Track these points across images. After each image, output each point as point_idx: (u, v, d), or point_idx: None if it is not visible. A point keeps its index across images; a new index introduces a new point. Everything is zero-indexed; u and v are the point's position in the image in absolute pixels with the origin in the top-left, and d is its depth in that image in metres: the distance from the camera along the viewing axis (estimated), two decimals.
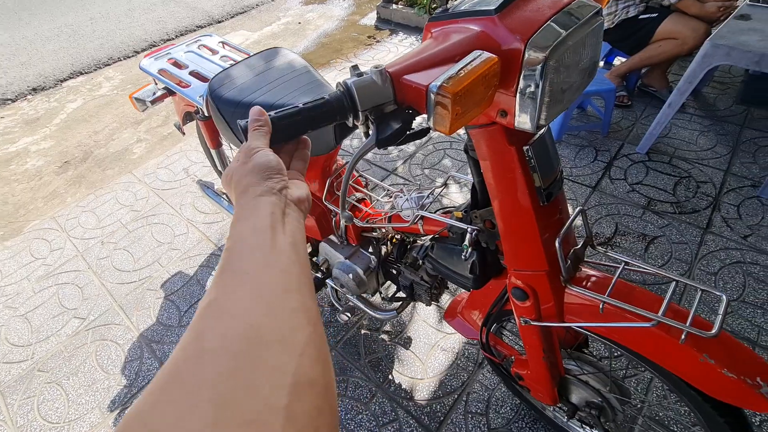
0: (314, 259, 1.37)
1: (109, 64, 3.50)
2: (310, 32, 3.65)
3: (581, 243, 0.76)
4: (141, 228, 2.02)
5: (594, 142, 2.25)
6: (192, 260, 1.84)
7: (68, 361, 1.52)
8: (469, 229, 0.79)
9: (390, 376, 1.39)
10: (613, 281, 0.70)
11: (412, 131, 0.49)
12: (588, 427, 1.13)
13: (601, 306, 0.69)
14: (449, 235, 0.92)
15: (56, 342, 1.59)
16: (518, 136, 0.60)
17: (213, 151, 1.39)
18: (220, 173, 1.85)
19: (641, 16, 2.20)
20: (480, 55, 0.43)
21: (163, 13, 4.18)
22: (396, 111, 0.48)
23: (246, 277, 0.28)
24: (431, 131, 0.51)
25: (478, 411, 1.29)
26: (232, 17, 4.04)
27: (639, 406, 1.25)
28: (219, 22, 3.98)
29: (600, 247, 0.78)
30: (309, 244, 1.42)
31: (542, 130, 0.63)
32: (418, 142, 2.37)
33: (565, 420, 1.17)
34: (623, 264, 0.72)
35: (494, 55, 0.43)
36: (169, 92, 1.34)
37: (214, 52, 1.31)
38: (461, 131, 1.87)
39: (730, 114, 2.33)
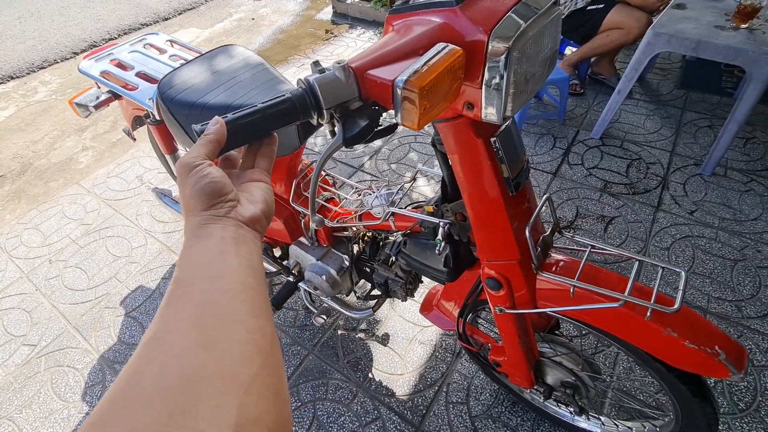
0: (285, 262, 1.33)
1: (44, 67, 3.23)
2: (265, 28, 3.54)
3: (549, 229, 0.78)
4: (94, 242, 1.89)
5: (552, 129, 2.33)
6: (153, 273, 1.74)
7: (19, 393, 1.40)
8: (441, 223, 0.79)
9: (370, 375, 1.38)
10: (581, 265, 0.72)
11: (379, 128, 0.48)
12: (564, 406, 1.17)
13: (571, 290, 0.71)
14: (421, 230, 0.91)
15: (4, 373, 1.46)
16: (485, 129, 0.61)
17: (168, 157, 1.31)
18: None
19: (589, 7, 2.29)
20: (444, 47, 0.43)
21: (103, 11, 3.90)
22: (362, 108, 0.46)
23: (190, 309, 0.26)
24: (399, 127, 0.50)
25: (459, 400, 1.31)
26: (180, 14, 3.84)
27: (609, 380, 1.32)
28: (166, 19, 3.76)
29: (566, 232, 0.80)
30: (279, 247, 1.38)
31: (508, 122, 0.63)
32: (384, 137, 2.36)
33: (542, 401, 1.20)
34: (589, 248, 0.75)
35: (459, 48, 0.43)
36: (115, 96, 1.24)
37: (161, 51, 1.23)
38: (428, 125, 1.87)
39: (672, 98, 2.48)
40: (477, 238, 0.75)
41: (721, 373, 0.64)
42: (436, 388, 1.34)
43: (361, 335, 1.49)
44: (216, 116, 0.41)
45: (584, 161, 2.11)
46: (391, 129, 0.50)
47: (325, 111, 0.44)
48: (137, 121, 1.41)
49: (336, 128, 0.47)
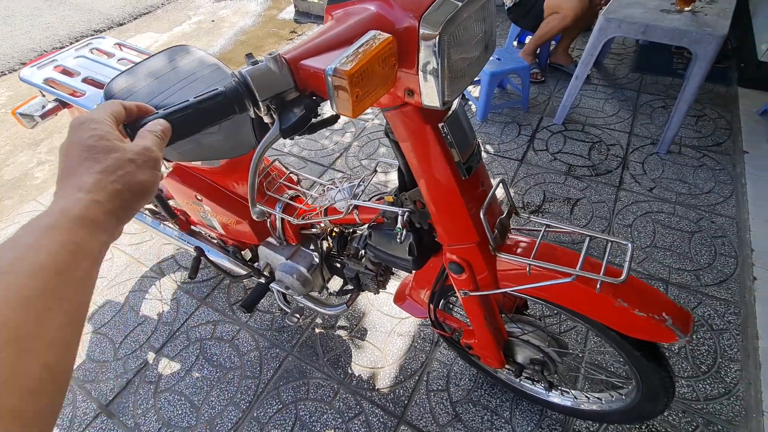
0: (256, 264, 1.31)
1: None
2: (226, 30, 3.46)
3: (506, 212, 0.80)
4: None
5: (516, 117, 2.38)
6: (121, 286, 1.69)
7: None
8: (400, 212, 0.80)
9: (350, 371, 1.38)
10: (537, 244, 0.75)
11: (319, 118, 0.48)
12: (537, 383, 1.20)
13: (528, 268, 0.73)
14: (385, 221, 0.92)
15: None
16: (432, 115, 0.62)
17: None
18: None
19: None
20: (374, 35, 0.43)
21: (52, 18, 3.72)
22: (298, 98, 0.46)
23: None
24: (339, 118, 0.51)
25: (440, 388, 1.32)
26: (136, 18, 3.71)
27: (579, 355, 1.36)
28: (120, 24, 3.63)
29: (524, 213, 0.83)
30: (248, 249, 1.36)
31: (454, 106, 0.65)
32: (353, 132, 2.36)
33: (517, 381, 1.24)
34: (545, 227, 0.77)
35: (388, 35, 0.43)
36: (63, 104, 1.19)
37: (109, 55, 1.19)
38: (380, 115, 1.89)
39: (628, 82, 2.57)
40: (436, 223, 0.77)
41: (669, 338, 0.67)
42: (417, 377, 1.35)
43: (341, 332, 1.49)
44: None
45: (549, 147, 2.16)
46: (332, 120, 0.50)
47: (261, 103, 0.44)
48: None
49: (265, 119, 0.47)
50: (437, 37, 0.45)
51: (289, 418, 1.28)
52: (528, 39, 2.75)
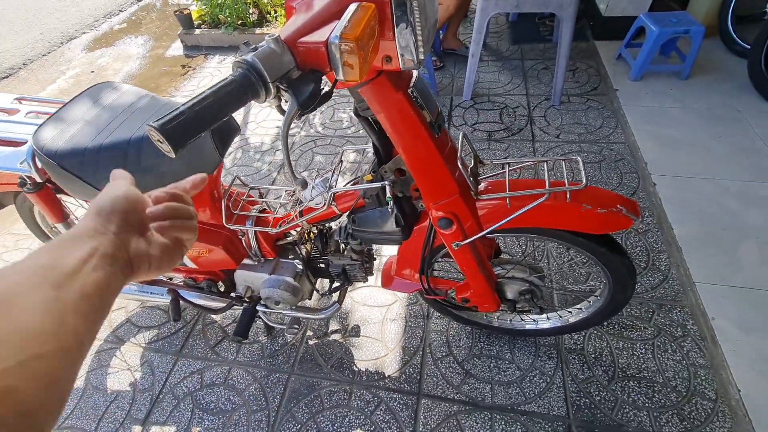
0: (232, 294, 1.26)
1: None
2: (112, 77, 3.19)
3: (473, 162, 0.90)
4: None
5: None
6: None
7: None
8: (386, 184, 0.85)
9: (357, 368, 1.39)
10: (507, 180, 0.85)
11: (323, 92, 0.52)
12: (528, 316, 1.33)
13: (507, 201, 0.83)
14: (365, 203, 0.97)
15: None
16: (400, 82, 0.68)
17: (59, 226, 1.14)
18: None
19: None
20: (359, 5, 0.49)
21: None
22: (302, 75, 0.50)
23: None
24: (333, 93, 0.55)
25: (444, 354, 1.39)
26: None
27: (553, 279, 1.53)
28: None
29: (485, 161, 0.93)
30: (220, 282, 1.30)
31: (416, 74, 0.72)
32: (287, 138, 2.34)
33: (509, 322, 1.36)
34: (507, 166, 0.89)
35: (371, 4, 0.49)
36: None
37: (11, 112, 1.06)
38: (347, 97, 1.94)
39: (510, 54, 2.92)
40: (420, 185, 0.83)
41: (627, 224, 0.82)
42: (420, 352, 1.41)
43: (335, 337, 1.48)
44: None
45: (466, 120, 2.37)
46: (329, 95, 0.54)
47: (270, 84, 0.47)
48: (7, 198, 1.20)
49: (283, 102, 0.50)
50: (410, 1, 0.52)
51: None
52: None
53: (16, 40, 3.86)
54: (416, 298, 1.56)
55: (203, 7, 3.38)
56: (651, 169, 1.87)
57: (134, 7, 4.40)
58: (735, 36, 2.47)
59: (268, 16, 3.49)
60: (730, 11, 2.47)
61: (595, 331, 1.39)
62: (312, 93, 0.48)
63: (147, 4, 4.47)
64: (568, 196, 0.80)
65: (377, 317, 1.52)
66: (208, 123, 0.45)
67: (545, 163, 0.86)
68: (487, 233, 0.88)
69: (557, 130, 2.21)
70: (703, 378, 1.26)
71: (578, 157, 0.82)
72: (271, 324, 1.40)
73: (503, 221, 0.85)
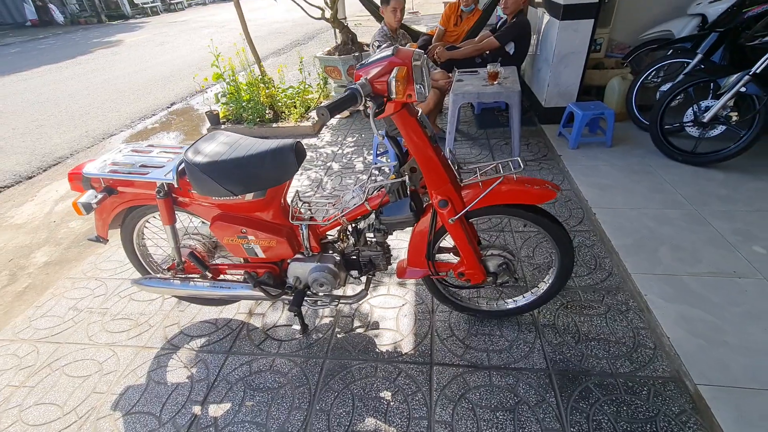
0: (287, 281, 1.65)
1: None
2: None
3: (456, 164, 1.44)
4: (48, 377, 1.76)
5: None
6: (137, 372, 1.74)
7: None
8: (405, 178, 1.37)
9: (379, 350, 1.72)
10: (478, 175, 1.39)
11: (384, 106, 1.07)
12: (512, 300, 1.75)
13: (480, 185, 1.36)
14: (389, 200, 1.47)
15: None
16: (413, 114, 1.25)
17: (167, 228, 1.57)
18: (144, 270, 1.89)
19: None
20: (398, 67, 1.07)
21: None
22: (375, 96, 1.05)
23: None
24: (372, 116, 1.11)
25: (448, 335, 1.75)
26: (45, 170, 3.80)
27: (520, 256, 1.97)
28: (29, 178, 3.67)
29: (462, 165, 1.48)
30: (267, 274, 1.67)
31: (420, 111, 1.30)
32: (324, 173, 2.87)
33: (495, 305, 1.77)
34: (478, 169, 1.43)
35: (404, 66, 1.08)
36: (109, 193, 1.51)
37: (146, 152, 1.58)
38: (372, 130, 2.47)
39: (478, 136, 3.73)
40: (425, 176, 1.35)
41: (553, 195, 1.34)
42: (429, 335, 1.76)
43: (359, 330, 1.83)
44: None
45: None
46: (385, 109, 1.09)
47: (363, 97, 1.02)
48: (117, 220, 1.65)
49: (368, 107, 1.05)
50: (420, 65, 1.11)
51: (347, 398, 1.54)
52: None
53: (64, 136, 4.55)
54: (422, 299, 1.96)
55: (230, 107, 4.21)
56: (591, 204, 2.46)
57: (165, 112, 5.28)
58: (640, 118, 3.33)
59: (282, 114, 4.34)
60: (634, 102, 3.38)
61: (562, 311, 1.80)
62: (379, 104, 1.03)
63: (176, 109, 5.37)
64: (514, 177, 1.33)
65: (392, 315, 1.89)
66: (339, 109, 0.98)
67: (500, 164, 1.41)
68: (470, 208, 1.38)
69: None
70: (643, 335, 1.66)
71: (518, 158, 1.38)
72: (305, 323, 1.76)
73: (479, 197, 1.36)
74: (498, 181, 1.33)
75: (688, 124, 2.78)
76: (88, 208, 1.43)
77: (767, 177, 2.57)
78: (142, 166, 1.48)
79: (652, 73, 3.36)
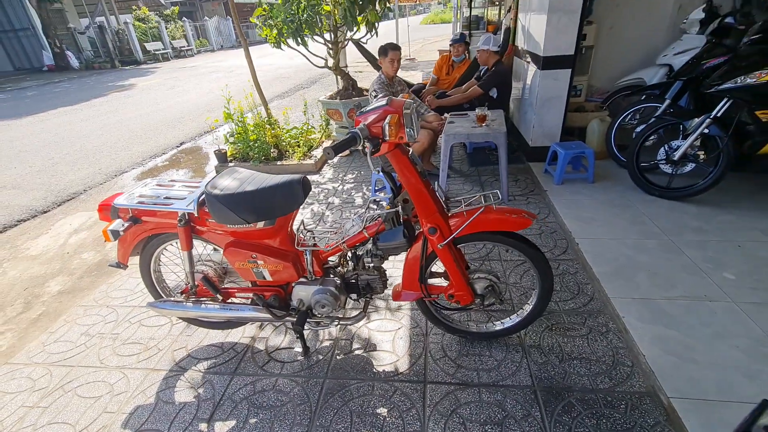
0: (291, 303, 1.79)
1: None
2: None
3: (444, 196, 1.64)
4: (60, 398, 1.85)
5: None
6: (146, 392, 1.84)
7: None
8: (399, 208, 1.56)
9: (377, 370, 1.83)
10: (463, 205, 1.58)
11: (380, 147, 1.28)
12: (499, 323, 1.88)
13: (465, 213, 1.54)
14: (384, 228, 1.65)
15: None
16: (405, 152, 1.46)
17: (185, 253, 1.73)
18: (158, 294, 2.02)
19: None
20: (391, 115, 1.29)
21: None
22: (372, 138, 1.26)
23: None
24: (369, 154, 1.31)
25: (441, 356, 1.87)
26: (60, 205, 3.99)
27: (506, 280, 2.10)
28: (45, 212, 3.86)
29: (451, 200, 1.67)
30: (274, 297, 1.81)
31: (411, 150, 1.51)
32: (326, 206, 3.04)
33: (484, 327, 1.90)
34: (463, 200, 1.62)
35: (396, 114, 1.30)
36: (134, 222, 1.69)
37: (169, 186, 1.78)
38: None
39: (470, 173, 3.97)
40: (417, 206, 1.54)
41: (529, 223, 1.52)
42: (423, 356, 1.88)
43: (357, 352, 1.94)
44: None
45: None
46: (381, 149, 1.30)
47: (362, 139, 1.23)
48: (139, 245, 1.82)
49: (366, 147, 1.26)
50: (411, 113, 1.33)
51: (346, 414, 1.64)
52: None
53: (78, 173, 4.80)
54: (417, 323, 2.08)
55: (238, 146, 4.48)
56: (574, 235, 2.64)
57: (174, 150, 5.57)
58: (620, 156, 3.59)
59: (286, 153, 4.61)
60: (613, 142, 3.65)
61: (546, 332, 1.93)
62: (375, 144, 1.24)
63: (184, 148, 5.67)
64: (494, 207, 1.52)
65: (389, 338, 2.01)
66: (342, 149, 1.18)
67: (482, 196, 1.60)
68: (457, 234, 1.56)
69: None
70: (622, 354, 1.78)
71: (498, 192, 1.57)
72: (307, 345, 1.89)
73: (464, 225, 1.54)
74: (480, 211, 1.52)
75: (662, 162, 3.03)
76: (116, 234, 1.60)
77: (737, 210, 2.77)
78: (166, 198, 1.67)
79: (629, 116, 3.66)
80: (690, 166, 2.96)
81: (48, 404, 1.83)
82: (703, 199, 2.92)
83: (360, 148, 1.28)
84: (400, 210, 1.57)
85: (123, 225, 1.64)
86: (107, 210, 1.70)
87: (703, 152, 2.83)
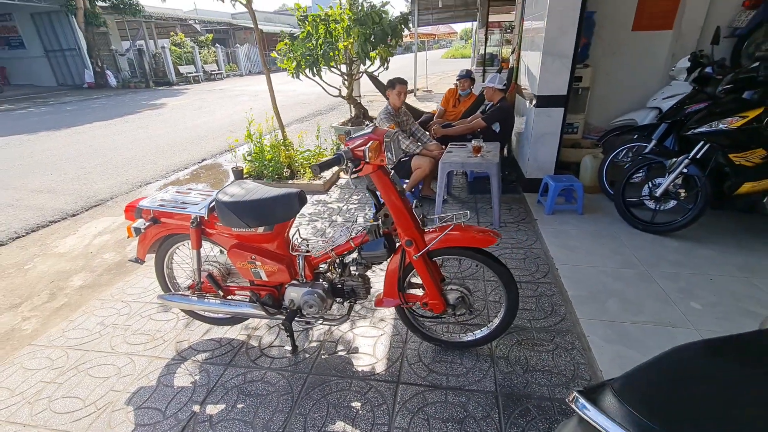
0: (284, 303, 2.01)
1: None
2: None
3: (422, 214, 1.86)
4: (74, 376, 2.08)
5: None
6: (149, 376, 2.05)
7: None
8: (380, 221, 1.78)
9: (356, 369, 2.00)
10: (436, 221, 1.80)
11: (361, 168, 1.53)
12: (471, 333, 2.05)
13: (437, 230, 1.76)
14: (368, 239, 1.87)
15: None
16: (386, 173, 1.71)
17: (194, 252, 1.98)
18: (168, 289, 2.26)
19: (402, 159, 3.97)
20: (373, 141, 1.54)
21: (2, 218, 4.12)
22: (355, 160, 1.51)
23: None
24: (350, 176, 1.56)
25: (416, 361, 2.04)
26: (88, 210, 4.36)
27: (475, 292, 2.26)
28: (74, 215, 4.22)
29: (427, 217, 1.89)
30: (268, 296, 2.03)
31: (392, 171, 1.75)
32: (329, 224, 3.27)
33: (457, 337, 2.07)
34: (438, 219, 1.84)
35: (378, 140, 1.55)
36: (153, 223, 1.96)
37: (186, 192, 2.06)
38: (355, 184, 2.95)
39: (468, 199, 4.19)
40: (395, 221, 1.76)
41: (494, 240, 1.73)
42: (399, 360, 2.05)
43: (341, 353, 2.13)
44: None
45: None
46: (361, 170, 1.55)
47: (346, 160, 1.48)
48: (155, 245, 2.08)
49: (348, 167, 1.51)
50: (391, 141, 1.58)
51: (323, 405, 1.81)
52: (405, 184, 4.32)
53: (107, 182, 5.21)
54: (398, 331, 2.26)
55: (255, 164, 4.83)
56: (556, 261, 2.80)
57: (196, 166, 5.98)
58: (610, 191, 3.76)
59: (297, 173, 4.93)
60: (605, 177, 3.84)
61: (516, 346, 2.08)
62: (356, 169, 1.49)
63: (205, 164, 6.08)
64: (463, 224, 1.73)
65: (371, 343, 2.19)
66: (327, 167, 1.43)
67: (454, 216, 1.82)
68: (430, 247, 1.77)
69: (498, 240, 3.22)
70: (582, 369, 1.92)
71: (466, 212, 1.79)
72: (296, 344, 2.09)
73: (436, 240, 1.75)
74: (449, 228, 1.74)
75: (645, 198, 3.19)
76: (137, 231, 1.87)
77: (716, 246, 2.90)
78: (182, 202, 1.94)
79: (621, 153, 3.87)
80: (672, 203, 3.12)
81: (63, 381, 2.06)
82: (685, 234, 3.05)
83: (344, 167, 1.53)
84: (380, 224, 1.79)
85: (144, 224, 1.91)
86: (132, 210, 1.98)
87: (683, 190, 2.99)
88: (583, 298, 2.37)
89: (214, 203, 1.87)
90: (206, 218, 1.89)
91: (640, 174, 3.31)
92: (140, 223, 1.90)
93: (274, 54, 4.80)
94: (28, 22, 17.59)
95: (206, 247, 2.12)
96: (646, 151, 3.47)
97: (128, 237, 1.90)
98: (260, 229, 1.87)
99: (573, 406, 0.73)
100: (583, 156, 4.13)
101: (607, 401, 0.72)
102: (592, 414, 0.69)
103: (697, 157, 2.88)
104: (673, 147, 3.43)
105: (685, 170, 2.91)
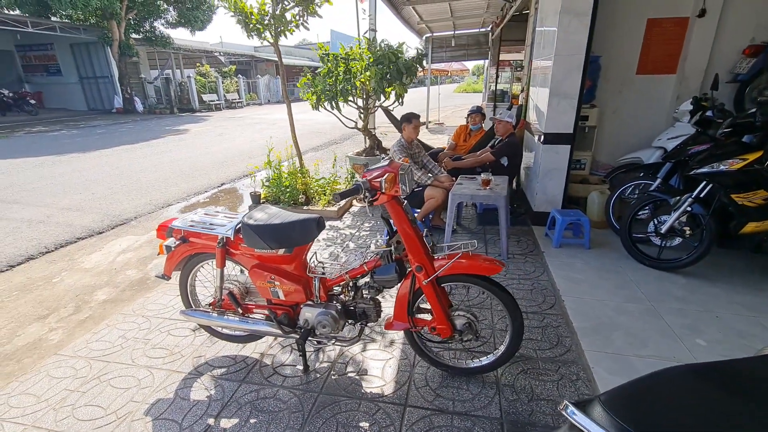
0: (298, 322, 2.11)
1: None
2: None
3: (432, 241, 1.98)
4: (96, 386, 2.18)
5: None
6: (168, 388, 2.14)
7: None
8: (393, 247, 1.91)
9: (365, 391, 2.07)
10: (445, 250, 1.92)
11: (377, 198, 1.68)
12: (477, 359, 2.11)
13: (446, 257, 1.87)
14: (381, 264, 1.99)
15: None
16: (399, 203, 1.85)
17: (218, 270, 2.12)
18: (189, 304, 2.39)
19: (415, 189, 4.13)
20: (389, 173, 1.69)
21: (34, 233, 4.36)
22: (371, 190, 1.66)
23: None
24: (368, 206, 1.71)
25: (423, 385, 2.10)
26: (113, 228, 4.58)
27: (482, 319, 2.32)
28: (100, 233, 4.44)
29: (436, 245, 2.01)
30: (284, 315, 2.14)
31: (405, 202, 1.90)
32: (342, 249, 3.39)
33: (464, 363, 2.13)
34: (446, 246, 1.96)
35: (393, 173, 1.70)
36: (183, 241, 2.12)
37: (214, 215, 2.22)
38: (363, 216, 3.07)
39: (477, 230, 4.30)
40: (407, 248, 1.89)
41: (499, 269, 1.83)
42: (407, 384, 2.11)
43: (351, 375, 2.20)
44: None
45: None
46: (377, 200, 1.69)
47: (364, 190, 1.63)
48: (181, 263, 2.23)
49: (366, 197, 1.66)
50: (405, 172, 1.73)
51: (333, 424, 1.88)
52: (416, 213, 4.46)
53: (131, 203, 5.47)
54: (407, 355, 2.33)
55: (272, 190, 5.04)
56: (562, 293, 2.86)
57: (215, 189, 6.24)
58: (617, 226, 3.84)
59: (312, 199, 5.12)
60: (611, 213, 3.93)
61: (521, 375, 2.13)
62: (373, 199, 1.63)
63: (224, 188, 6.34)
64: (470, 252, 1.85)
65: (380, 365, 2.26)
66: (347, 196, 1.58)
67: (462, 245, 1.93)
68: (439, 273, 1.88)
69: (506, 272, 3.30)
70: None
71: (475, 241, 1.90)
72: (308, 364, 2.17)
73: (445, 267, 1.87)
74: (457, 256, 1.85)
75: (651, 234, 3.26)
76: (168, 249, 2.03)
77: (722, 284, 2.93)
78: (210, 224, 2.11)
79: (628, 190, 3.97)
80: (678, 240, 3.18)
81: (86, 390, 2.16)
82: (692, 271, 3.10)
83: (362, 197, 1.68)
84: (393, 249, 1.92)
85: (175, 242, 2.07)
86: (164, 230, 2.14)
87: (688, 228, 3.06)
88: (589, 331, 2.42)
89: (240, 225, 2.03)
90: (232, 239, 2.05)
91: (646, 211, 3.39)
92: (171, 241, 2.06)
93: (300, 85, 5.14)
94: (66, 51, 18.85)
95: (228, 266, 2.26)
96: (652, 188, 3.57)
97: (159, 254, 2.05)
98: (281, 251, 2.01)
99: (564, 413, 0.82)
100: (590, 191, 4.24)
101: (596, 411, 0.81)
102: (579, 419, 0.78)
103: (701, 196, 2.97)
104: (679, 185, 3.52)
105: (689, 208, 3.00)
